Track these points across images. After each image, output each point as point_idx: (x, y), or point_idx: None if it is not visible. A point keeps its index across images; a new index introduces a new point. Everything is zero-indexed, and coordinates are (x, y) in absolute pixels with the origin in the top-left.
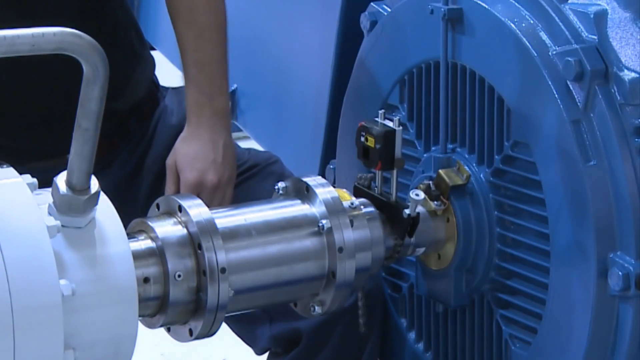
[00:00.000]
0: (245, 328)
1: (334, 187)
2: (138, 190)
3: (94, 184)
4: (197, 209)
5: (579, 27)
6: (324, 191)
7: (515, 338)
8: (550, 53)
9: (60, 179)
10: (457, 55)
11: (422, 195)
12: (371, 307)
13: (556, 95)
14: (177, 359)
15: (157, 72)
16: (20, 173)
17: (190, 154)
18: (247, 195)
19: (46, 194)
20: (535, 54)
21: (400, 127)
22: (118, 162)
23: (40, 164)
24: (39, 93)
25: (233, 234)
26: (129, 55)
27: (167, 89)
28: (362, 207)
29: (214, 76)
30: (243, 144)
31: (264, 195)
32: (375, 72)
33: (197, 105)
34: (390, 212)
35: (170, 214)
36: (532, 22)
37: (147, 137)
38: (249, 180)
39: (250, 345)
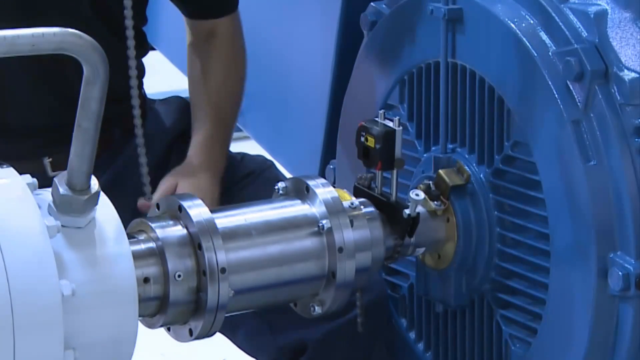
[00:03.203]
0: (248, 340)
1: (334, 187)
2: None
3: (94, 184)
4: (197, 209)
5: (579, 27)
6: (324, 191)
7: (515, 338)
8: (550, 53)
9: (60, 179)
10: (457, 55)
11: (422, 195)
12: (375, 317)
13: (556, 95)
14: (177, 359)
15: (157, 73)
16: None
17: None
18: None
19: (46, 194)
20: (535, 54)
21: (400, 127)
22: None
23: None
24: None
25: (233, 234)
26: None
27: (154, 100)
28: (362, 207)
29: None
30: (243, 144)
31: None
32: (375, 72)
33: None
34: (390, 212)
35: (170, 214)
36: (532, 22)
37: (130, 148)
38: (244, 189)
39: (254, 357)
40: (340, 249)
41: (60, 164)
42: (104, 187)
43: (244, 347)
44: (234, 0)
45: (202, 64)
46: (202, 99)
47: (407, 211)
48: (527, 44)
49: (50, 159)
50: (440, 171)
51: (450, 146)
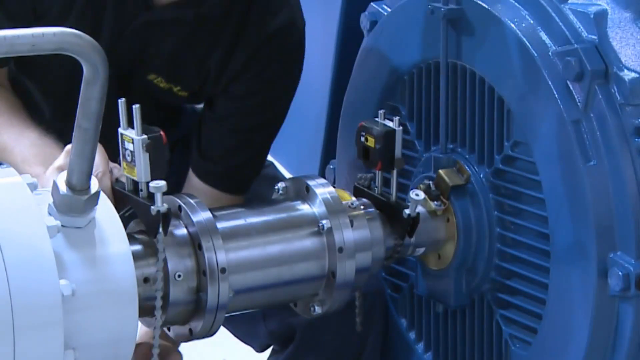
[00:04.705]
0: (241, 327)
1: (334, 187)
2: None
3: (94, 184)
4: (197, 209)
5: (579, 27)
6: (324, 191)
7: (515, 338)
8: (550, 53)
9: (60, 179)
10: (457, 55)
11: (422, 195)
12: (370, 307)
13: (556, 95)
14: None
15: None
16: None
17: None
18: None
19: (46, 194)
20: (535, 54)
21: (400, 127)
22: None
23: None
24: None
25: (233, 234)
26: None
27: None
28: (362, 207)
29: None
30: None
31: (260, 198)
32: (375, 72)
33: None
34: (390, 212)
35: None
36: (532, 22)
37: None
38: None
39: (248, 344)
40: (340, 249)
41: None
42: None
43: (235, 332)
44: (245, 184)
45: None
46: None
47: (407, 211)
48: (527, 44)
49: None
50: (440, 171)
51: (450, 146)
